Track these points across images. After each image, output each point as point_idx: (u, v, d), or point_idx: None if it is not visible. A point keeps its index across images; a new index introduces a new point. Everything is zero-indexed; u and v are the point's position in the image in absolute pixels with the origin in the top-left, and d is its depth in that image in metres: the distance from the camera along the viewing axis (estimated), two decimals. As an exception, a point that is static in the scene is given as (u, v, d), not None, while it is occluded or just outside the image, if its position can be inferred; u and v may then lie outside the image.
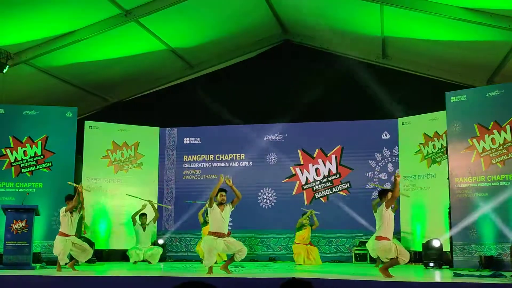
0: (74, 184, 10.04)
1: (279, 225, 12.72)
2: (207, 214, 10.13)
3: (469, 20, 9.89)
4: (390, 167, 12.51)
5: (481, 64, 11.66)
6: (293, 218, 11.98)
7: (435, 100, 11.33)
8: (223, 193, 8.72)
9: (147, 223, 11.64)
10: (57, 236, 9.39)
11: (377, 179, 12.59)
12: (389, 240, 8.04)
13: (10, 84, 11.60)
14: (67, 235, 9.33)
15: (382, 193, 8.31)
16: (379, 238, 8.11)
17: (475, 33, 10.43)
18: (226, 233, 8.69)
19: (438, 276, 8.82)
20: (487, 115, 10.16)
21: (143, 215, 11.66)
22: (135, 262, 11.13)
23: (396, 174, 8.28)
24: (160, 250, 11.51)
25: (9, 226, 9.79)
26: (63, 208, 9.47)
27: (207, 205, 8.68)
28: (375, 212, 8.28)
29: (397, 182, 8.19)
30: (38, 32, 10.83)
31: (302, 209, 12.12)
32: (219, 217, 8.59)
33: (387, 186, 12.41)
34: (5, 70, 10.88)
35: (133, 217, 11.55)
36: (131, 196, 11.95)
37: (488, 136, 10.08)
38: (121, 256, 12.20)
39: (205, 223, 11.11)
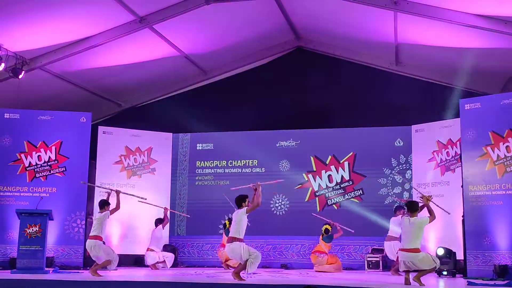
0: (112, 189, 10.25)
1: (291, 232, 12.70)
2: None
3: (483, 28, 9.87)
4: (407, 174, 12.42)
5: (495, 72, 11.61)
6: (306, 224, 11.95)
7: (449, 108, 11.33)
8: None
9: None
10: (98, 241, 9.42)
11: (390, 186, 12.54)
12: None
13: (25, 89, 11.72)
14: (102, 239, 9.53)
15: (415, 206, 8.32)
16: (417, 250, 8.05)
17: (489, 40, 10.39)
18: None
19: (451, 284, 8.76)
20: (502, 123, 10.10)
21: (160, 220, 12.01)
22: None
23: (426, 197, 8.48)
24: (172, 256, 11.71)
25: (23, 230, 9.85)
26: (107, 212, 9.57)
27: (244, 211, 8.71)
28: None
29: (428, 205, 8.38)
30: (53, 38, 10.94)
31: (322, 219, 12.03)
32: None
33: (398, 189, 12.42)
34: (20, 76, 10.99)
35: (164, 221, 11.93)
36: (148, 204, 12.01)
37: (503, 144, 10.01)
38: (134, 261, 12.23)
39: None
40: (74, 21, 10.51)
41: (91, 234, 9.58)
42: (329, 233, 11.62)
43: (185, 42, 12.23)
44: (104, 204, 9.75)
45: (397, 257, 8.40)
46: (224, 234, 11.82)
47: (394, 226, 10.74)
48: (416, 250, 8.03)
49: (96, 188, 12.44)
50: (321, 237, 11.63)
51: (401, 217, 8.67)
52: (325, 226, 11.64)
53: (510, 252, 9.67)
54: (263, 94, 13.38)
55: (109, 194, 10.14)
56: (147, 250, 11.72)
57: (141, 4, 10.47)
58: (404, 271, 8.16)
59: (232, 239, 8.63)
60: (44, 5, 9.74)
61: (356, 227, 12.28)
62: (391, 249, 10.64)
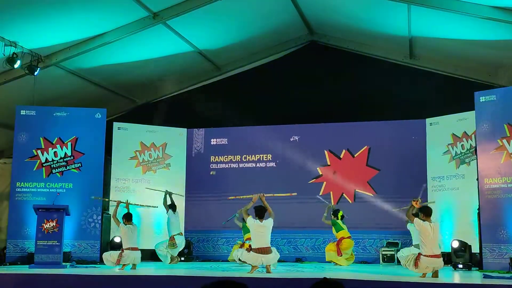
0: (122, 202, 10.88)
1: (306, 226, 12.71)
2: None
3: (498, 19, 9.76)
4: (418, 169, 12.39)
5: (510, 63, 11.51)
6: (320, 218, 11.96)
7: (464, 100, 11.23)
8: None
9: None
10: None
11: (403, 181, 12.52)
12: None
13: (41, 86, 11.82)
14: None
15: (431, 211, 8.52)
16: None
17: (504, 32, 10.30)
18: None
19: (467, 277, 8.74)
20: (517, 115, 10.04)
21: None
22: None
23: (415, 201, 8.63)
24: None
25: (40, 225, 10.00)
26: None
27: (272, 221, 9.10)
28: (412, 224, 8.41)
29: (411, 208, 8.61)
30: (68, 35, 11.01)
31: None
32: None
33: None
34: (36, 73, 11.08)
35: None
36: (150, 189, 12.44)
37: (518, 136, 9.95)
38: (150, 255, 12.31)
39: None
40: (88, 18, 10.56)
41: (134, 246, 9.96)
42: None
43: (199, 37, 12.25)
44: (131, 217, 10.23)
45: (416, 262, 8.26)
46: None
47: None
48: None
49: (111, 184, 12.57)
50: (341, 220, 11.61)
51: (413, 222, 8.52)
52: (340, 212, 11.66)
53: (526, 245, 9.62)
54: (276, 89, 13.39)
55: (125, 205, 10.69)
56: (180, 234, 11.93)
57: (155, 0, 10.51)
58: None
59: (269, 250, 8.86)
60: (59, 2, 9.81)
61: (370, 220, 12.33)
62: None
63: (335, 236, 11.55)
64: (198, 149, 13.73)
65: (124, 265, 9.69)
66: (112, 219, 10.90)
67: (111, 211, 11.55)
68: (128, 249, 9.78)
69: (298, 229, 12.80)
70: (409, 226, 10.57)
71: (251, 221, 8.93)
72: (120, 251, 9.83)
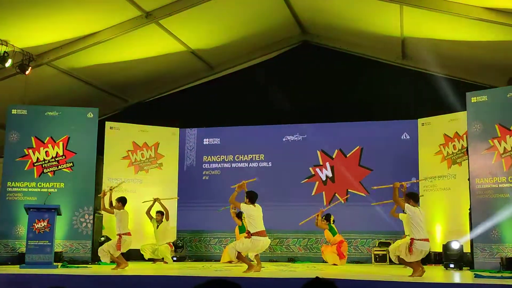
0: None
1: (298, 226, 12.70)
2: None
3: (490, 20, 9.82)
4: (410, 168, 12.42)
5: (502, 64, 11.57)
6: (313, 218, 11.97)
7: (456, 101, 11.29)
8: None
9: (162, 220, 12.13)
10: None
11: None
12: None
13: (33, 86, 11.77)
14: None
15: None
16: None
17: (495, 33, 10.36)
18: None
19: (458, 277, 8.77)
20: (508, 116, 10.09)
21: (159, 213, 12.13)
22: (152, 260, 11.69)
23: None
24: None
25: (32, 225, 9.93)
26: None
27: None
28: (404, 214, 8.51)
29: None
30: (59, 34, 10.97)
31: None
32: None
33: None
34: (27, 72, 11.03)
35: (147, 213, 12.11)
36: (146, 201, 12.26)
37: (510, 136, 10.00)
38: (141, 255, 12.28)
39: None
40: (80, 17, 10.54)
41: (128, 231, 9.94)
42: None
43: (192, 37, 12.24)
44: (126, 201, 10.16)
45: (410, 248, 8.25)
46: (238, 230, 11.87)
47: None
48: None
49: (103, 183, 12.49)
50: (333, 224, 11.75)
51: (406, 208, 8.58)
52: (332, 217, 11.75)
53: (517, 245, 9.67)
54: (269, 88, 13.38)
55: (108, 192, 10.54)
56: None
57: (147, -1, 10.50)
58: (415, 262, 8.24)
59: (265, 233, 9.07)
60: (51, 0, 9.78)
61: (362, 221, 12.35)
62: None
63: (330, 240, 11.62)
64: (191, 149, 13.73)
65: (120, 265, 9.65)
66: (103, 211, 10.67)
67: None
68: (125, 234, 9.80)
69: (290, 229, 12.79)
70: (401, 216, 10.61)
71: (246, 207, 9.06)
72: (118, 238, 9.81)
